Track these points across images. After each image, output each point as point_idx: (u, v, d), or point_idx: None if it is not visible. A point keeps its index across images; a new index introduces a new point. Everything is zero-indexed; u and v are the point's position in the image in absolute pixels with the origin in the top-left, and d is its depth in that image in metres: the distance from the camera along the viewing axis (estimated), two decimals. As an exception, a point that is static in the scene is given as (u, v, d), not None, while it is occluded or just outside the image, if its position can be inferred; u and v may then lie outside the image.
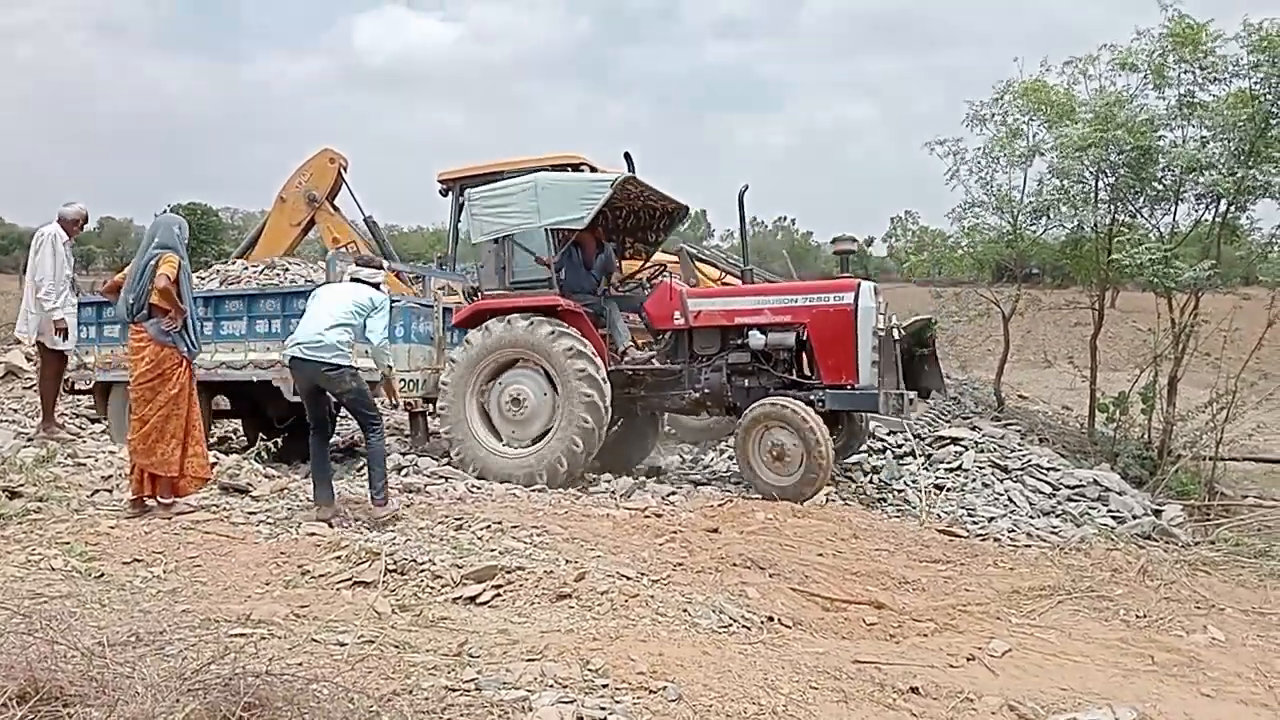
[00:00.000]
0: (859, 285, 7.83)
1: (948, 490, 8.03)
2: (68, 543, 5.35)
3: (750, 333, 8.01)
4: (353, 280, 6.65)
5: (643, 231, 9.53)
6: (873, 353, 7.70)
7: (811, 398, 7.63)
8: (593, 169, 11.70)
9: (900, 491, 8.00)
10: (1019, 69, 11.08)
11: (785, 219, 77.55)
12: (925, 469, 8.42)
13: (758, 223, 78.12)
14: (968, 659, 4.14)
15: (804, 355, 8.08)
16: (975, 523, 7.37)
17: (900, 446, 8.79)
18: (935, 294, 12.06)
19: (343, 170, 12.37)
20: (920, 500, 7.79)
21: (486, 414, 8.43)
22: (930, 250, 12.06)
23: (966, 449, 8.71)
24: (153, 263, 6.25)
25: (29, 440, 8.16)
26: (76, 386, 10.01)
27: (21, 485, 6.47)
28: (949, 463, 8.51)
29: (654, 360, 8.40)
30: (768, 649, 4.06)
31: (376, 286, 6.61)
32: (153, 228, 6.58)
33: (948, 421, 9.53)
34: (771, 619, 4.59)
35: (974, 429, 9.45)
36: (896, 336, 8.23)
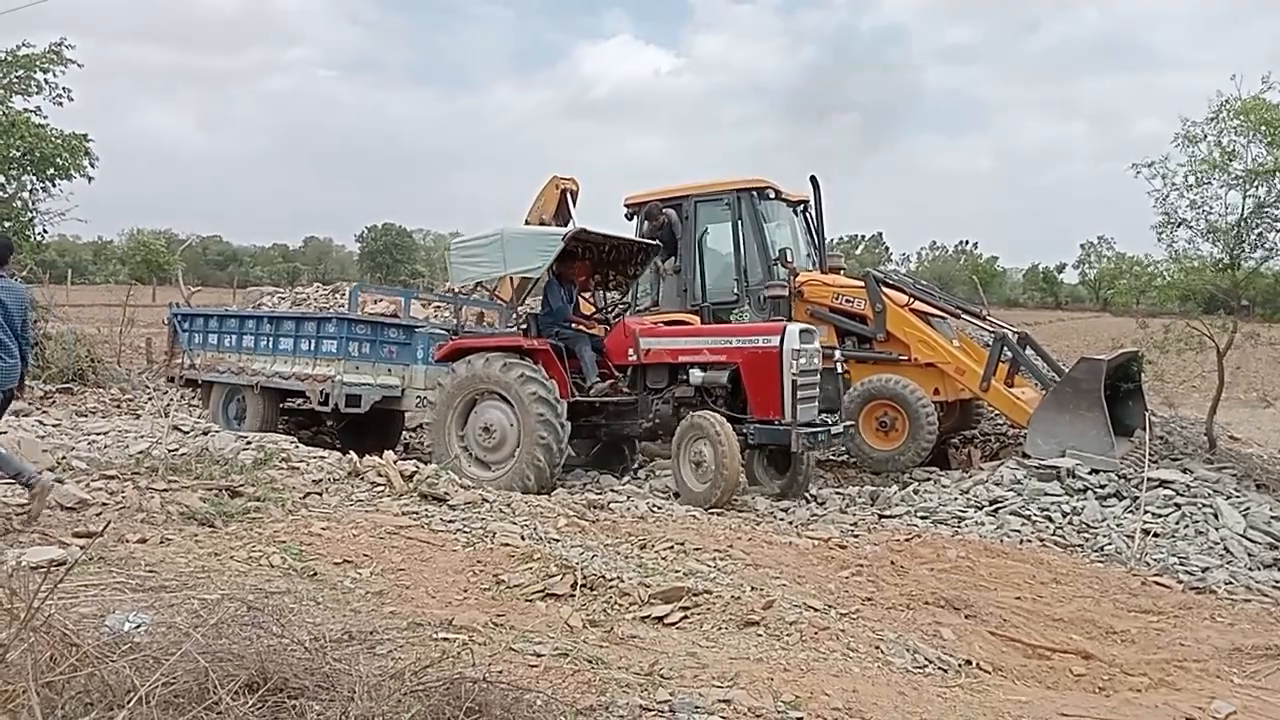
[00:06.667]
0: (784, 329, 8.65)
1: (1156, 536, 7.50)
2: (284, 542, 5.70)
3: (691, 370, 8.87)
4: None
5: (622, 265, 10.47)
6: (796, 391, 8.45)
7: (743, 430, 8.46)
8: (777, 192, 11.73)
9: (1104, 535, 7.52)
10: (1236, 86, 10.24)
11: (967, 242, 75.12)
12: (1131, 512, 7.88)
13: (937, 246, 76.02)
14: (1187, 719, 3.86)
15: (738, 391, 8.86)
16: (1189, 572, 6.84)
17: (1103, 487, 8.27)
18: (1142, 324, 11.30)
19: (569, 194, 12.51)
20: (1126, 545, 7.30)
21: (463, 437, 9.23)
22: (1129, 277, 11.41)
23: (1178, 492, 8.11)
24: None
25: (248, 443, 8.78)
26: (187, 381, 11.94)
27: (242, 485, 6.99)
28: (1158, 506, 7.93)
29: (613, 392, 9.24)
30: (966, 694, 3.90)
31: None
32: None
33: (1155, 462, 8.90)
34: (970, 662, 4.41)
35: (1185, 471, 8.78)
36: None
